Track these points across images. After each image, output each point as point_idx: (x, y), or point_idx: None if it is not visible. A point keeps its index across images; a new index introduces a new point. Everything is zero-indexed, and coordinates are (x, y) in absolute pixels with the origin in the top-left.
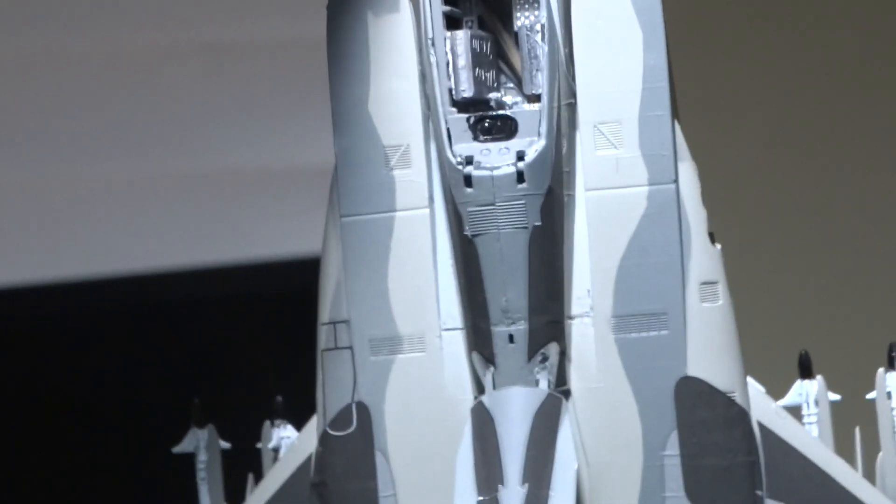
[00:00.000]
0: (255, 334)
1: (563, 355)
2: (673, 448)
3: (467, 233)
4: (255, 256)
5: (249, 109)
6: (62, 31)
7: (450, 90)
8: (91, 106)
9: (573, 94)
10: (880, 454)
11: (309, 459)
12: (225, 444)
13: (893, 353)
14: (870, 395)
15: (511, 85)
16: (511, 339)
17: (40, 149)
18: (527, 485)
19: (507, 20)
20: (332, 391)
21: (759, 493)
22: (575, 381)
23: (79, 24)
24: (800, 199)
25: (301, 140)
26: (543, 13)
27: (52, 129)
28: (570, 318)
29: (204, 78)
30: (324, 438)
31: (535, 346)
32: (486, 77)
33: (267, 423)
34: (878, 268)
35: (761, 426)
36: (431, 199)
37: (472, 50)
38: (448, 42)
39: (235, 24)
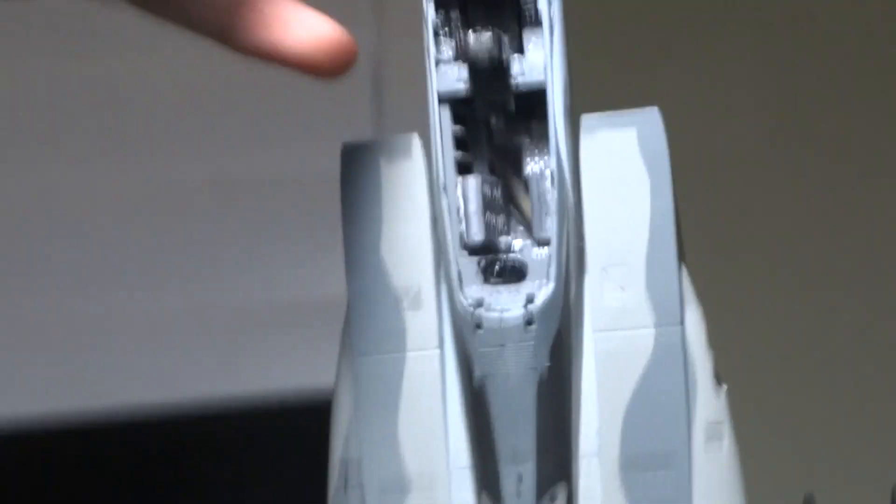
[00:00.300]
0: (262, 471)
1: (571, 495)
2: None
3: (477, 374)
4: (266, 391)
5: (260, 245)
6: (69, 166)
7: (460, 234)
8: (99, 240)
9: (581, 239)
10: None
11: None
12: None
13: None
14: None
15: (521, 229)
16: (520, 478)
17: (47, 282)
18: None
19: (517, 167)
20: None
21: None
22: None
23: (87, 159)
24: (804, 340)
25: (312, 274)
26: (553, 160)
27: (61, 263)
28: (579, 457)
29: (214, 212)
30: None
31: (543, 486)
32: (496, 222)
33: None
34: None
35: None
36: (442, 340)
37: (483, 195)
38: (459, 187)
39: (246, 159)
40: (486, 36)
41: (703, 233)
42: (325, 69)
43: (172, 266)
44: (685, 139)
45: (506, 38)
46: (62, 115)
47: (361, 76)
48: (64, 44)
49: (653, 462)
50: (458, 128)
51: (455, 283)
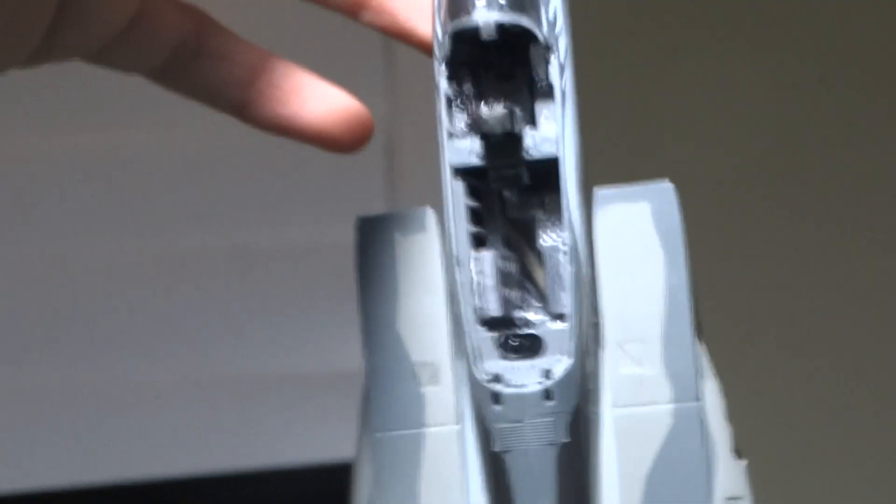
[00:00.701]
0: None
1: None
2: None
3: (496, 449)
4: (284, 462)
5: (277, 314)
6: (89, 237)
7: (476, 309)
8: (118, 309)
9: (597, 313)
10: None
11: None
12: None
13: None
14: None
15: (537, 303)
16: None
17: (67, 352)
18: None
19: (531, 240)
20: None
21: None
22: None
23: (107, 230)
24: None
25: (327, 345)
26: (567, 233)
27: (80, 333)
28: None
29: (232, 282)
30: None
31: None
32: (512, 296)
33: None
34: None
35: None
36: (461, 415)
37: (498, 269)
38: (474, 262)
39: (261, 230)
40: (499, 109)
41: (721, 307)
42: (342, 142)
43: (188, 336)
44: (701, 213)
45: (518, 111)
46: (81, 184)
47: (374, 147)
48: (85, 113)
49: None
50: (472, 201)
51: (472, 357)
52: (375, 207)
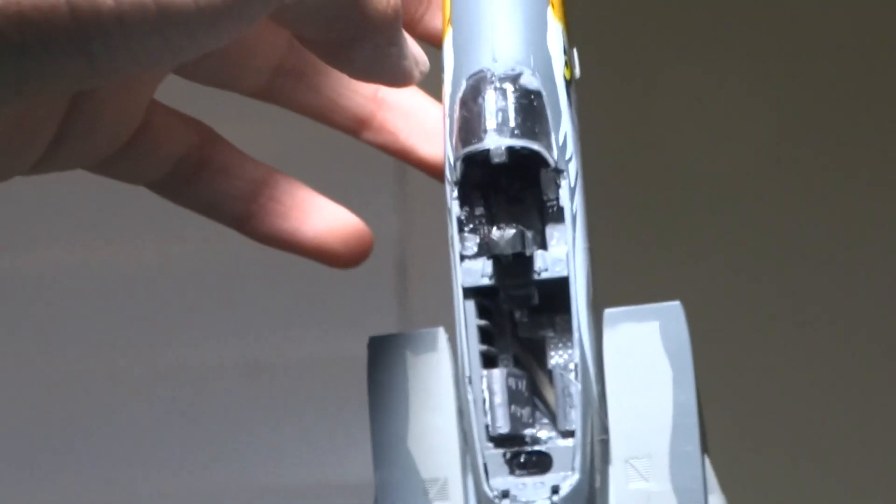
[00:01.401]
0: None
1: None
2: None
3: None
4: None
5: (288, 427)
6: (102, 351)
7: (486, 426)
8: (130, 423)
9: (606, 430)
10: None
11: None
12: None
13: None
14: None
15: (546, 421)
16: None
17: (76, 466)
18: None
19: (541, 359)
20: None
21: None
22: None
23: (119, 344)
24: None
25: (338, 457)
26: (577, 352)
27: (91, 447)
28: None
29: (243, 396)
30: None
31: None
32: (521, 413)
33: None
34: None
35: None
36: None
37: (508, 388)
38: (485, 380)
39: (273, 344)
40: (510, 232)
41: (728, 420)
42: (341, 258)
43: (199, 447)
44: (711, 332)
45: (529, 234)
46: (94, 298)
47: (385, 263)
48: (95, 227)
49: None
50: (483, 321)
51: (481, 474)
52: (387, 322)
